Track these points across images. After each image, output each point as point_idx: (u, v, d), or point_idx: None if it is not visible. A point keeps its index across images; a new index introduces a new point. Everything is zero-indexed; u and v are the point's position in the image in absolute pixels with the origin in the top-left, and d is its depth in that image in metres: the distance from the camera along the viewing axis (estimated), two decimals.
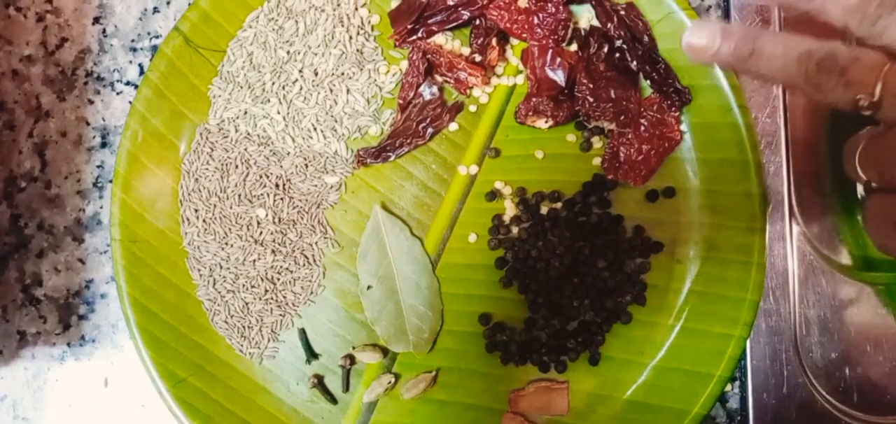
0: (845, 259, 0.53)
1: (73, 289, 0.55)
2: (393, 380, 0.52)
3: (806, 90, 0.40)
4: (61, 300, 0.55)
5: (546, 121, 0.52)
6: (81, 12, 0.56)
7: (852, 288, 0.53)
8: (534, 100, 0.52)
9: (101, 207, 0.55)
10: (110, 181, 0.55)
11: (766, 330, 0.52)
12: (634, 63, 0.52)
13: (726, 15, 0.55)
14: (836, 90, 0.38)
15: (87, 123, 0.56)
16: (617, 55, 0.52)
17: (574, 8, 0.53)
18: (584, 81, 0.52)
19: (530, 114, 0.52)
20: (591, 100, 0.51)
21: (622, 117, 0.51)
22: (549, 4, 0.52)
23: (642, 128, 0.51)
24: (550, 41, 0.52)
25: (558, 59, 0.52)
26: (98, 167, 0.55)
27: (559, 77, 0.52)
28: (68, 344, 0.55)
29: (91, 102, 0.56)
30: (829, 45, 0.38)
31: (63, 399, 0.55)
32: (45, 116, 0.55)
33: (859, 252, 0.53)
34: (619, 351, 0.52)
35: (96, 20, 0.56)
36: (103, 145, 0.56)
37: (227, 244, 0.53)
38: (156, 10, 0.56)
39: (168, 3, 0.56)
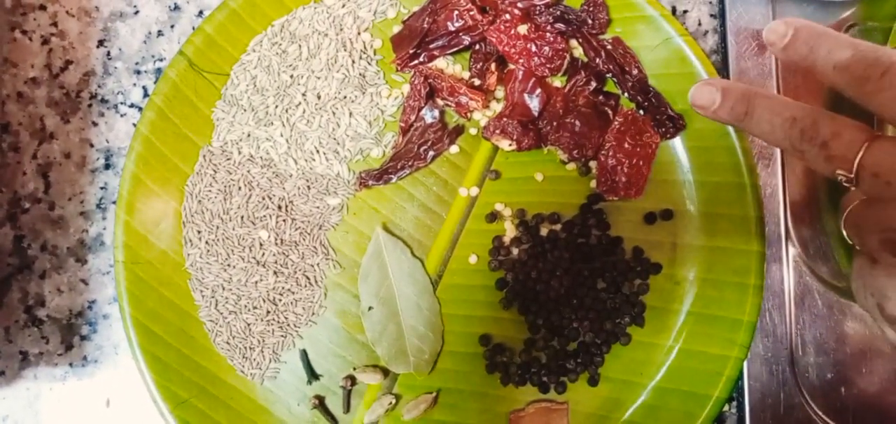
0: (841, 279, 0.54)
1: (76, 310, 0.55)
2: (393, 401, 0.53)
3: (792, 155, 0.42)
4: (64, 320, 0.55)
5: (510, 144, 0.53)
6: (86, 35, 0.56)
7: (848, 308, 0.53)
8: (504, 119, 0.53)
9: (105, 228, 0.55)
10: (114, 203, 0.55)
11: (762, 350, 0.52)
12: (626, 94, 0.53)
13: (723, 40, 0.56)
14: (817, 160, 0.40)
15: (91, 145, 0.56)
16: (600, 97, 0.53)
17: (572, 39, 0.54)
18: (556, 106, 0.53)
19: (497, 131, 0.53)
20: (554, 124, 0.53)
21: (575, 151, 0.52)
22: (548, 33, 0.53)
23: (626, 143, 0.52)
24: (546, 69, 0.53)
25: (538, 89, 0.53)
26: (101, 188, 0.56)
27: (534, 104, 0.53)
28: (70, 365, 0.55)
29: (95, 124, 0.56)
30: (814, 115, 0.40)
31: (65, 419, 0.55)
32: (50, 138, 0.56)
33: None
34: (619, 372, 0.52)
35: (101, 43, 0.56)
36: (107, 167, 0.56)
37: (229, 265, 0.53)
38: (160, 33, 0.56)
39: (172, 26, 0.56)
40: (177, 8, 0.56)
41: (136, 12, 0.56)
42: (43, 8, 0.56)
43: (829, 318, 0.53)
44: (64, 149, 0.56)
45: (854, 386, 0.53)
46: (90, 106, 0.56)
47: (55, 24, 0.56)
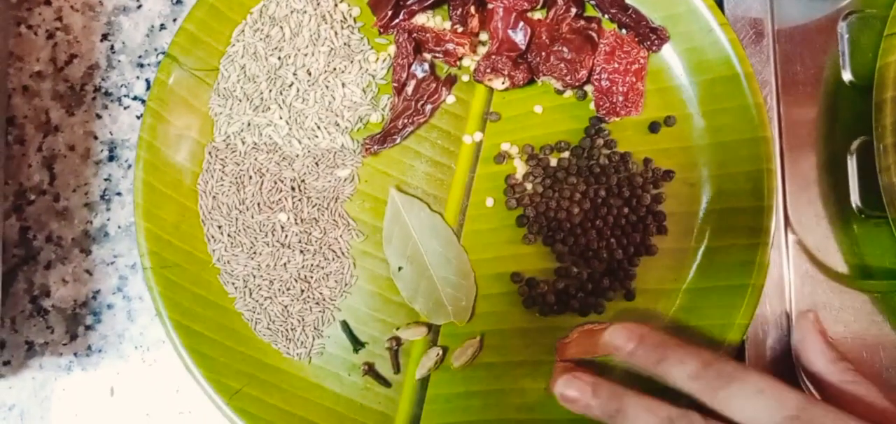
0: (841, 267, 0.54)
1: (81, 300, 0.55)
2: (441, 353, 0.52)
3: None
4: (68, 310, 0.54)
5: (503, 82, 0.54)
6: (90, 29, 0.57)
7: (848, 296, 0.54)
8: (493, 57, 0.53)
9: (108, 219, 0.55)
10: (118, 194, 0.55)
11: (763, 337, 0.52)
12: (606, 15, 0.54)
13: None
14: None
15: (96, 137, 0.56)
16: (582, 22, 0.54)
17: None
18: (541, 37, 0.54)
19: (488, 71, 0.53)
20: (543, 55, 0.53)
21: (568, 78, 0.53)
22: None
23: (616, 63, 0.53)
24: (525, 2, 0.54)
25: (521, 22, 0.53)
26: (105, 180, 0.55)
27: (520, 38, 0.53)
28: (75, 354, 0.54)
29: (99, 117, 0.56)
30: (689, 417, 0.42)
31: (70, 408, 0.54)
32: (54, 131, 0.56)
33: (855, 260, 0.55)
34: (652, 283, 0.52)
35: (104, 37, 0.57)
36: (111, 158, 0.56)
37: (255, 253, 0.53)
38: (163, 27, 0.57)
39: (174, 19, 0.57)
40: (179, 1, 0.57)
41: (139, 6, 0.57)
42: (48, 3, 0.57)
43: (829, 306, 0.54)
44: (68, 142, 0.55)
45: None
46: (94, 99, 0.56)
47: (60, 19, 0.57)
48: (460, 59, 0.55)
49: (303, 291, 0.52)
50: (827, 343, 0.49)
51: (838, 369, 0.47)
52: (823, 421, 0.40)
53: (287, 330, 0.52)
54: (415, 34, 0.54)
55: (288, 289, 0.52)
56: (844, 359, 0.47)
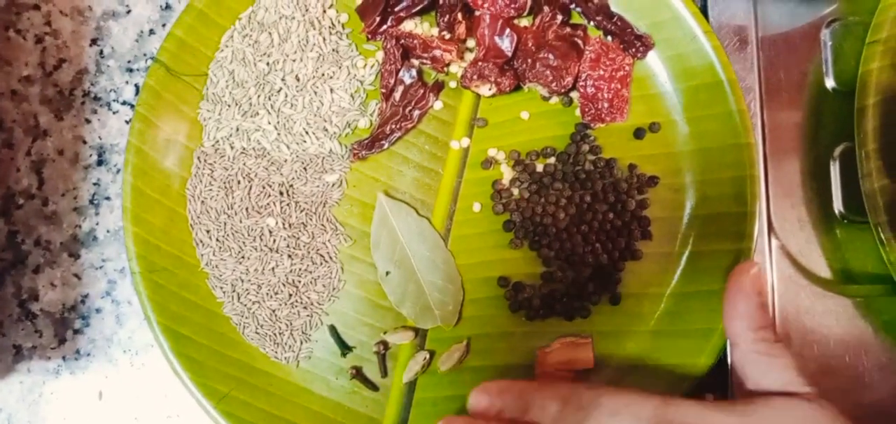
0: (824, 272, 0.55)
1: (69, 304, 0.55)
2: (428, 357, 0.52)
3: None
4: (57, 314, 0.55)
5: (490, 88, 0.54)
6: (79, 34, 0.57)
7: (831, 301, 0.54)
8: (480, 64, 0.54)
9: (97, 224, 0.55)
10: (107, 198, 0.56)
11: None
12: (592, 22, 0.55)
13: None
14: None
15: (84, 142, 0.56)
16: (568, 29, 0.55)
17: None
18: (527, 44, 0.54)
19: (475, 78, 0.54)
20: (530, 61, 0.54)
21: (554, 85, 0.53)
22: None
23: (601, 70, 0.54)
24: (512, 10, 0.54)
25: (507, 29, 0.54)
26: (94, 184, 0.56)
27: (506, 45, 0.54)
28: (63, 358, 0.55)
29: (88, 121, 0.56)
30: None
31: (58, 412, 0.54)
32: (43, 135, 0.56)
33: (838, 265, 0.55)
34: (637, 287, 0.53)
35: (94, 42, 0.57)
36: (100, 163, 0.56)
37: (243, 257, 0.53)
38: (152, 32, 0.57)
39: (164, 24, 0.57)
40: (168, 7, 0.58)
41: (129, 11, 0.57)
42: (37, 7, 0.57)
43: (812, 311, 0.54)
44: (57, 146, 0.56)
45: (837, 377, 0.53)
46: (83, 103, 0.56)
47: (49, 24, 0.57)
48: (447, 65, 0.55)
49: (291, 295, 0.53)
50: (758, 306, 0.44)
51: (754, 338, 0.44)
52: (681, 419, 0.41)
53: (275, 334, 0.52)
54: (402, 40, 0.55)
55: (276, 294, 0.53)
56: (769, 329, 0.44)
